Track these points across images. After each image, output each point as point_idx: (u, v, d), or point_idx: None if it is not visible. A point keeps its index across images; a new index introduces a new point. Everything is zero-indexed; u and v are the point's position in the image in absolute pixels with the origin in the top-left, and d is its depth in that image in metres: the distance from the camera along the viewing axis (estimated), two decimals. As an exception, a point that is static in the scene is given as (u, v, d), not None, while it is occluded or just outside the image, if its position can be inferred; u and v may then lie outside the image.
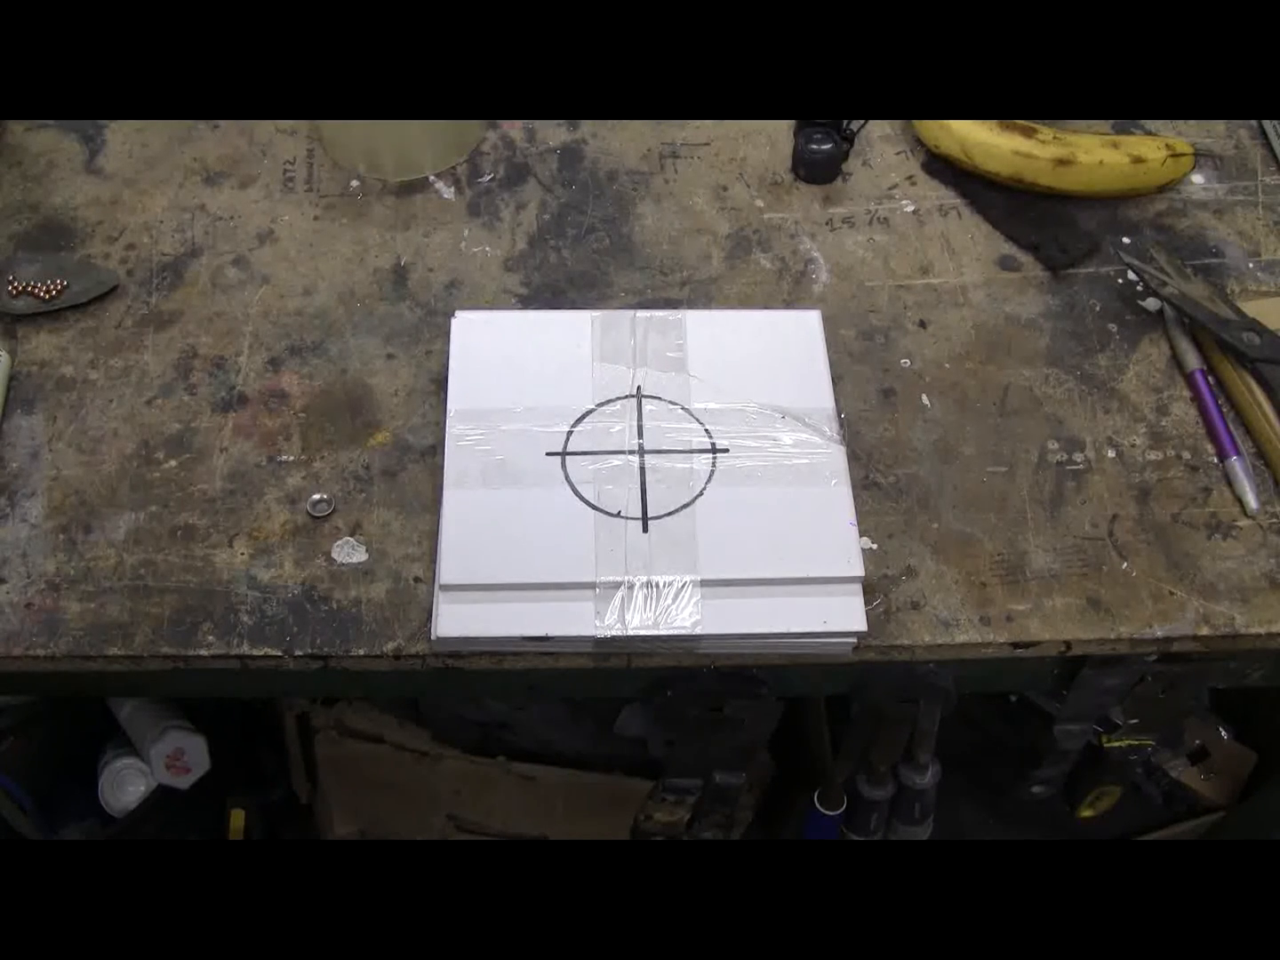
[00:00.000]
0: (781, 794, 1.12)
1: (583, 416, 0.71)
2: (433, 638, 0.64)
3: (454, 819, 1.12)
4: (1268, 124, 0.91)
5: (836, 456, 0.70)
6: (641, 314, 0.76)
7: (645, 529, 0.66)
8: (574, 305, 0.81)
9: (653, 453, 0.69)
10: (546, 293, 0.82)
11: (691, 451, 0.69)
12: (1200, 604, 0.68)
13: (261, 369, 0.77)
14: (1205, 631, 0.67)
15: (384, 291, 0.82)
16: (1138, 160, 0.84)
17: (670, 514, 0.67)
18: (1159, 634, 0.67)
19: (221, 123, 0.91)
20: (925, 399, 0.77)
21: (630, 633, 0.63)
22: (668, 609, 0.63)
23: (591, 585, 0.64)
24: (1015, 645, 0.67)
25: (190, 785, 1.06)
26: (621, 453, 0.69)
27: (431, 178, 0.88)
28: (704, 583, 0.64)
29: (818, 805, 0.93)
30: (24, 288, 0.79)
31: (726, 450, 0.69)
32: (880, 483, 0.73)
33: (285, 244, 0.84)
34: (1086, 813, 0.93)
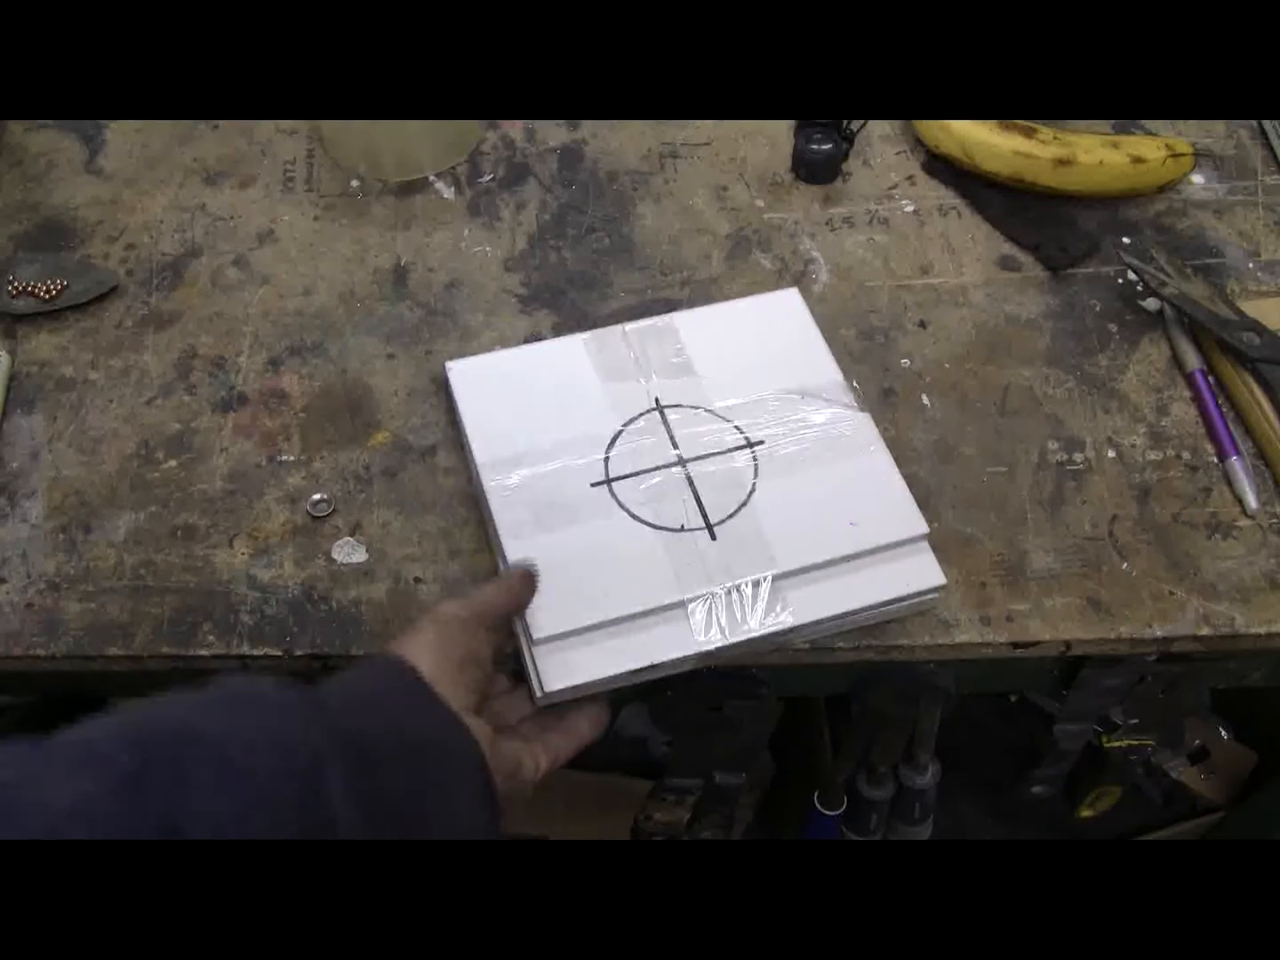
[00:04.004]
0: (781, 794, 1.12)
1: (613, 439, 0.69)
2: (538, 695, 0.62)
3: (454, 819, 1.12)
4: (1268, 124, 0.91)
5: (865, 424, 0.70)
6: (630, 326, 0.75)
7: (713, 536, 0.65)
8: (574, 305, 0.81)
9: (693, 460, 0.69)
10: (546, 293, 0.82)
11: (730, 451, 0.69)
12: (1200, 604, 0.68)
13: (261, 369, 0.77)
14: (1205, 631, 0.67)
15: (384, 291, 0.82)
16: (1138, 160, 0.84)
17: (731, 516, 0.66)
18: (1159, 634, 0.67)
19: (221, 123, 0.91)
20: (925, 399, 0.77)
21: (731, 640, 0.62)
22: (759, 608, 0.63)
23: (680, 603, 0.63)
24: (1015, 645, 0.67)
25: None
26: (663, 467, 0.68)
27: (431, 178, 0.88)
28: (785, 575, 0.64)
29: (818, 805, 0.93)
30: (24, 288, 0.79)
31: (762, 442, 0.69)
32: (880, 483, 0.72)
33: (285, 244, 0.84)
34: (1086, 813, 0.93)
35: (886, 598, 0.65)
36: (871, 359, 0.78)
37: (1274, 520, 0.71)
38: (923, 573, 0.66)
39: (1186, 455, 0.74)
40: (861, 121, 0.88)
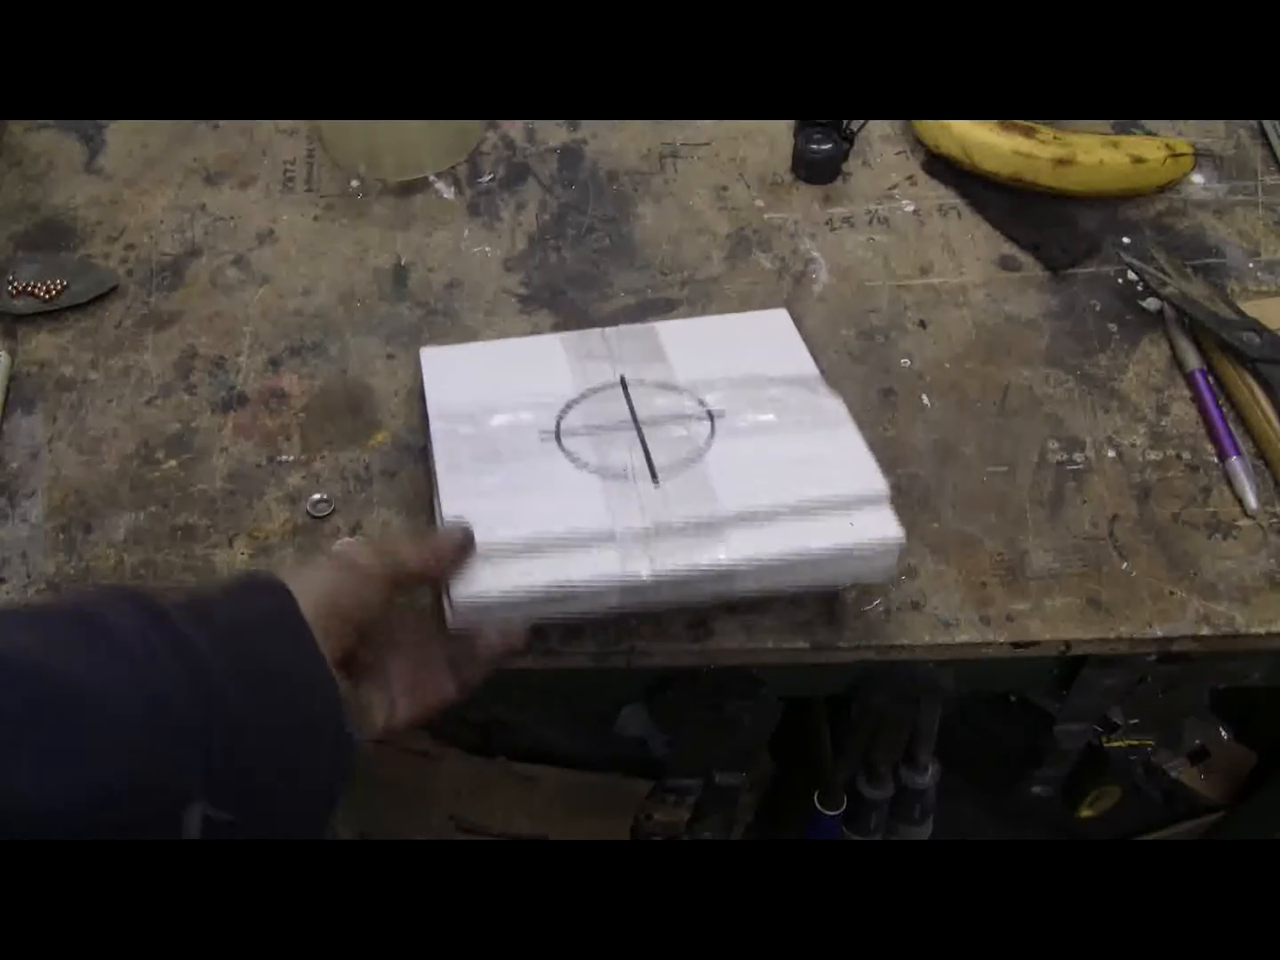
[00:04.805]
0: (781, 794, 1.12)
1: (571, 403, 0.68)
2: (449, 613, 0.59)
3: (454, 819, 1.12)
4: (1268, 124, 0.91)
5: (836, 406, 0.68)
6: (611, 330, 0.74)
7: (656, 483, 0.63)
8: (574, 305, 0.81)
9: (649, 424, 0.67)
10: (546, 293, 0.82)
11: (688, 417, 0.67)
12: (1200, 604, 0.68)
13: (261, 369, 0.77)
14: (1205, 631, 0.67)
15: (384, 291, 0.82)
16: (1138, 160, 0.84)
17: (679, 468, 0.64)
18: (1159, 634, 0.67)
19: (221, 123, 0.91)
20: (925, 399, 0.77)
21: (658, 572, 0.59)
22: (694, 544, 0.60)
23: (610, 533, 0.61)
24: (1015, 645, 0.67)
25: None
26: (616, 428, 0.66)
27: (431, 178, 0.88)
28: (728, 517, 0.61)
29: (818, 805, 0.93)
30: (24, 288, 0.79)
31: (723, 414, 0.67)
32: (880, 483, 0.72)
33: (285, 244, 0.84)
34: (1086, 813, 0.93)
35: (834, 545, 0.61)
36: (871, 359, 0.78)
37: (1274, 520, 0.71)
38: (879, 526, 0.62)
39: (1186, 455, 0.74)
40: (861, 121, 0.88)
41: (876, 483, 0.63)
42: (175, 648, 0.46)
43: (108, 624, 0.46)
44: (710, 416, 0.67)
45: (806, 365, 0.71)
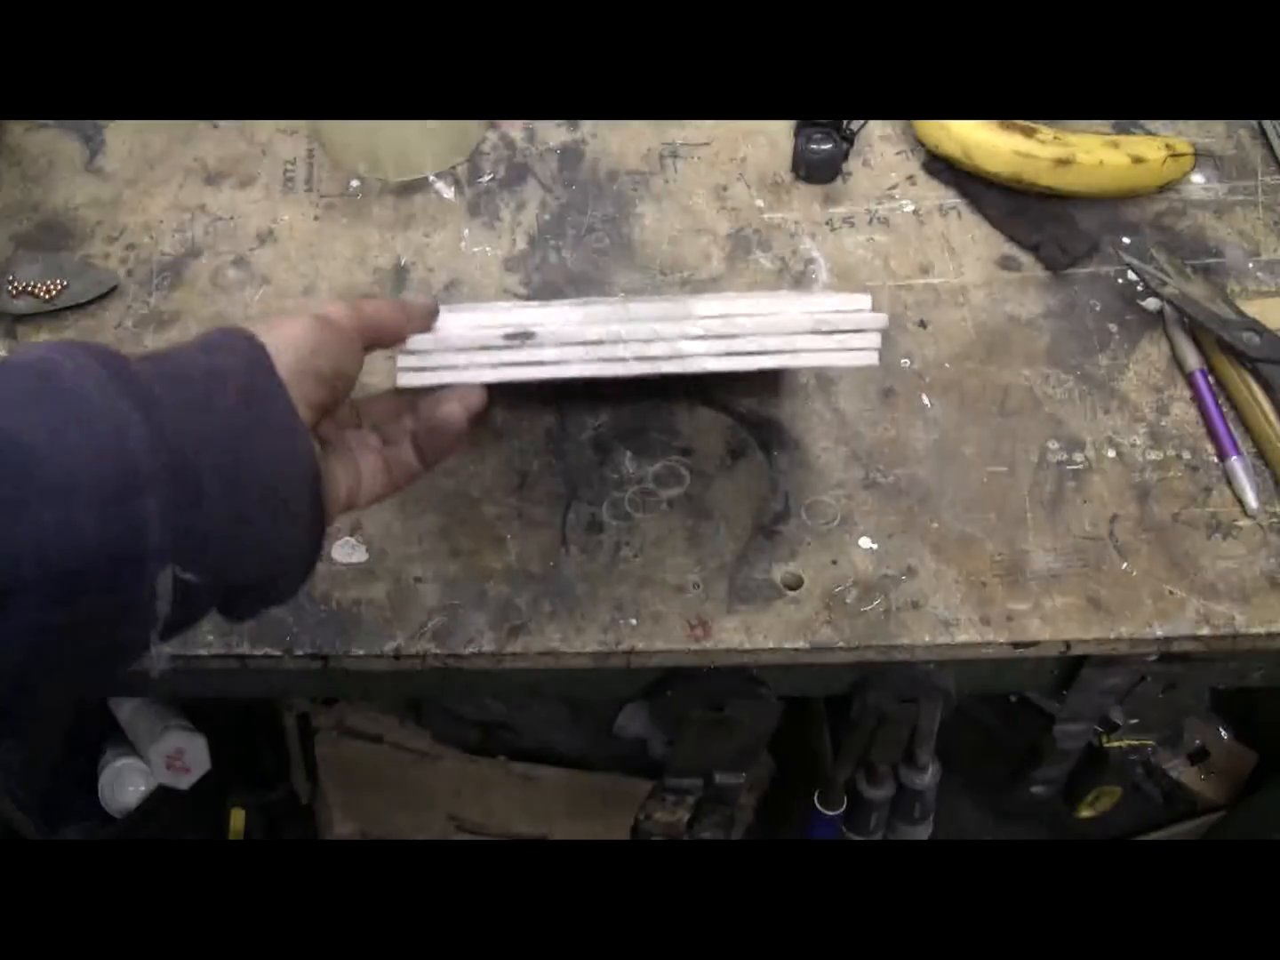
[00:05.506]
0: (781, 794, 1.13)
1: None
2: (400, 358, 0.57)
3: (454, 819, 1.12)
4: (1268, 124, 0.91)
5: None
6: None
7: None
8: (574, 305, 0.81)
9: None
10: (546, 293, 0.82)
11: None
12: (1200, 604, 0.68)
13: (261, 369, 0.77)
14: (1205, 631, 0.67)
15: (384, 291, 0.82)
16: (1138, 160, 0.84)
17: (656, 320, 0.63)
18: (1159, 634, 0.67)
19: (221, 123, 0.91)
20: (925, 399, 0.77)
21: (624, 331, 0.57)
22: (664, 313, 0.59)
23: (578, 318, 0.60)
24: (1015, 645, 0.67)
25: (190, 785, 1.06)
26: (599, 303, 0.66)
27: (431, 178, 0.88)
28: (700, 315, 0.60)
29: (818, 805, 0.93)
30: (24, 288, 0.79)
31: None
32: (880, 483, 0.73)
33: (285, 244, 0.84)
34: (1086, 813, 0.93)
35: (815, 309, 0.59)
36: (871, 359, 0.78)
37: (1274, 520, 0.71)
38: (859, 308, 0.60)
39: (1186, 455, 0.74)
40: (861, 121, 0.88)
41: (863, 300, 0.61)
42: (135, 400, 0.42)
43: (64, 377, 0.41)
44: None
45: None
